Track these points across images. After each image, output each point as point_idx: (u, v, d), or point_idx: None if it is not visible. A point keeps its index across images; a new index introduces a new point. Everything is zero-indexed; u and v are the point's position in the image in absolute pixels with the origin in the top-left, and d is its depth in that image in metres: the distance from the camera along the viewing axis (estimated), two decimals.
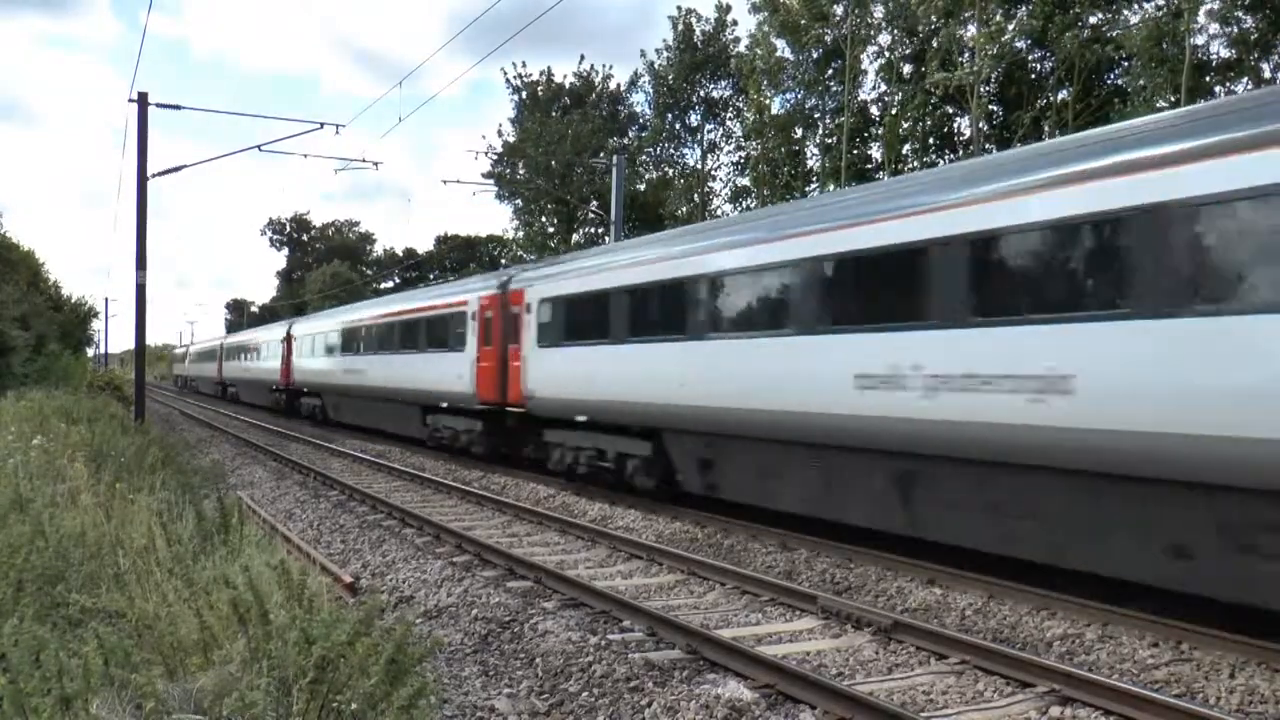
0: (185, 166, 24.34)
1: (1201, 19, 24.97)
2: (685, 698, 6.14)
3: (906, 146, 34.70)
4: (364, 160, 25.60)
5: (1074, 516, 8.01)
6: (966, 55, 29.87)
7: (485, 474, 18.79)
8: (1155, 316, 7.15)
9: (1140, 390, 7.20)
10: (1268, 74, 25.49)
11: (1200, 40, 25.60)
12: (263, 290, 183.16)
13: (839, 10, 34.45)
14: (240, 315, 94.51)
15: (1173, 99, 24.70)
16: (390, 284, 71.63)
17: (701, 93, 44.79)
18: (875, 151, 37.40)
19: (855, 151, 36.95)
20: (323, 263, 77.05)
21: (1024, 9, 28.67)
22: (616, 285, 14.65)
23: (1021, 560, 8.70)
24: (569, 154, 46.47)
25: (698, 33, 43.90)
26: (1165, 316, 7.08)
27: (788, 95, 38.04)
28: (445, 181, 33.84)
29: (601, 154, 43.12)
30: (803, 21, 34.86)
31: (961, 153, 33.23)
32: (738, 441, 12.10)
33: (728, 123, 45.51)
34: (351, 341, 28.87)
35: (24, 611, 4.96)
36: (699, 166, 45.82)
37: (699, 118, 45.33)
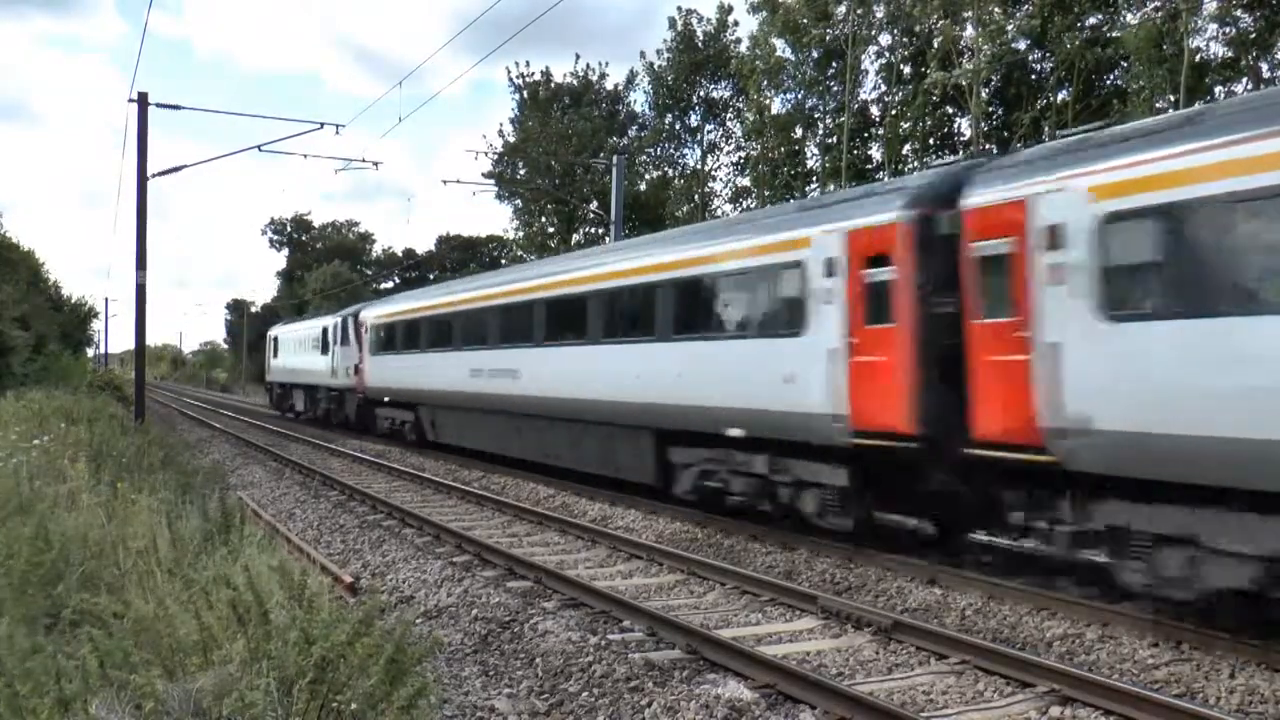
0: (185, 166, 24.34)
1: (1199, 20, 24.96)
2: (685, 698, 6.14)
3: (907, 147, 34.69)
4: (364, 160, 25.61)
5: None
6: (965, 55, 29.86)
7: (485, 474, 18.81)
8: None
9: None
10: (1267, 73, 25.49)
11: (1199, 42, 25.61)
12: (264, 290, 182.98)
13: (840, 10, 34.42)
14: (240, 315, 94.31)
15: (1172, 99, 24.70)
16: (389, 284, 71.58)
17: (701, 93, 44.74)
18: (875, 152, 37.40)
19: (855, 151, 36.92)
20: (323, 263, 76.88)
21: (1024, 9, 28.64)
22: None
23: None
24: (570, 154, 46.44)
25: (698, 33, 43.83)
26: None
27: (788, 95, 38.02)
28: (445, 182, 33.88)
29: (601, 154, 43.08)
30: (804, 21, 34.82)
31: (962, 153, 33.18)
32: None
33: (728, 123, 45.47)
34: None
35: (21, 613, 4.95)
36: (699, 167, 45.80)
37: (699, 118, 45.30)
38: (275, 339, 41.93)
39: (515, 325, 17.72)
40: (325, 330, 31.86)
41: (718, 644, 7.12)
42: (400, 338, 24.40)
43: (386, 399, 25.20)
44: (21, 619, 4.93)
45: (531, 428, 17.22)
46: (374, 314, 26.97)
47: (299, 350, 36.09)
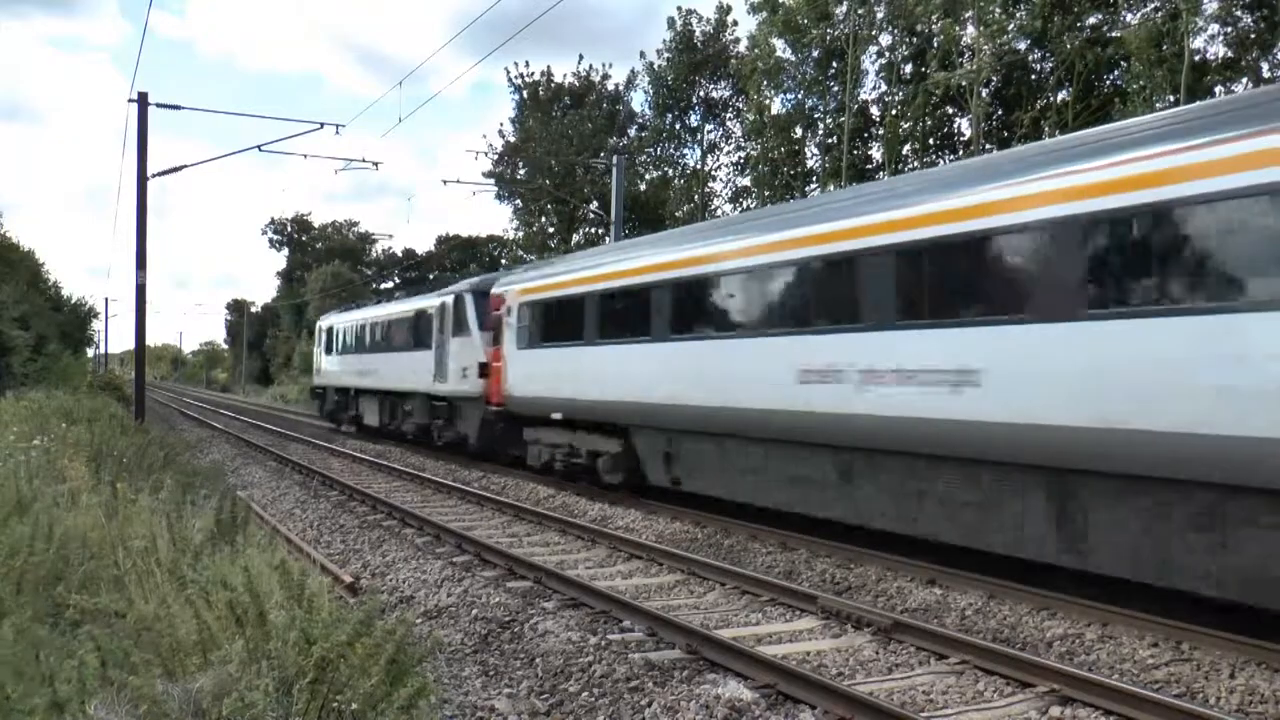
0: (185, 166, 24.35)
1: (1200, 20, 24.97)
2: (685, 698, 6.14)
3: (907, 147, 34.70)
4: (364, 160, 25.61)
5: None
6: (966, 55, 29.87)
7: (485, 474, 18.80)
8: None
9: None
10: (1267, 73, 25.51)
11: (1199, 43, 25.64)
12: (264, 290, 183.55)
13: (840, 10, 34.44)
14: (240, 315, 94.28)
15: (1172, 99, 24.71)
16: (389, 284, 71.52)
17: (701, 93, 44.77)
18: (875, 152, 37.40)
19: (856, 152, 36.92)
20: (322, 263, 76.95)
21: (1023, 9, 28.66)
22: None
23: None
24: (570, 154, 46.46)
25: (698, 33, 43.87)
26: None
27: (788, 95, 38.04)
28: (445, 182, 33.88)
29: (601, 154, 43.09)
30: (804, 22, 34.84)
31: (962, 153, 33.22)
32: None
33: (728, 123, 45.50)
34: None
35: (30, 614, 4.95)
36: (699, 167, 45.81)
37: (699, 118, 45.32)
38: (329, 331, 32.78)
39: (970, 281, 8.91)
40: (425, 315, 22.94)
41: (718, 644, 7.12)
42: (595, 319, 15.07)
43: (557, 415, 16.14)
44: (31, 619, 4.92)
45: (1037, 490, 8.33)
46: (527, 286, 17.72)
47: (372, 343, 27.44)
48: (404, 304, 25.60)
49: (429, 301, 23.15)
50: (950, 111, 33.64)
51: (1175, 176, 7.21)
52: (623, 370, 14.25)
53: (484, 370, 19.32)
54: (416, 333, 23.41)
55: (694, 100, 44.92)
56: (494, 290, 19.12)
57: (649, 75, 45.17)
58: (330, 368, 32.44)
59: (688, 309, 12.94)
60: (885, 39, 34.75)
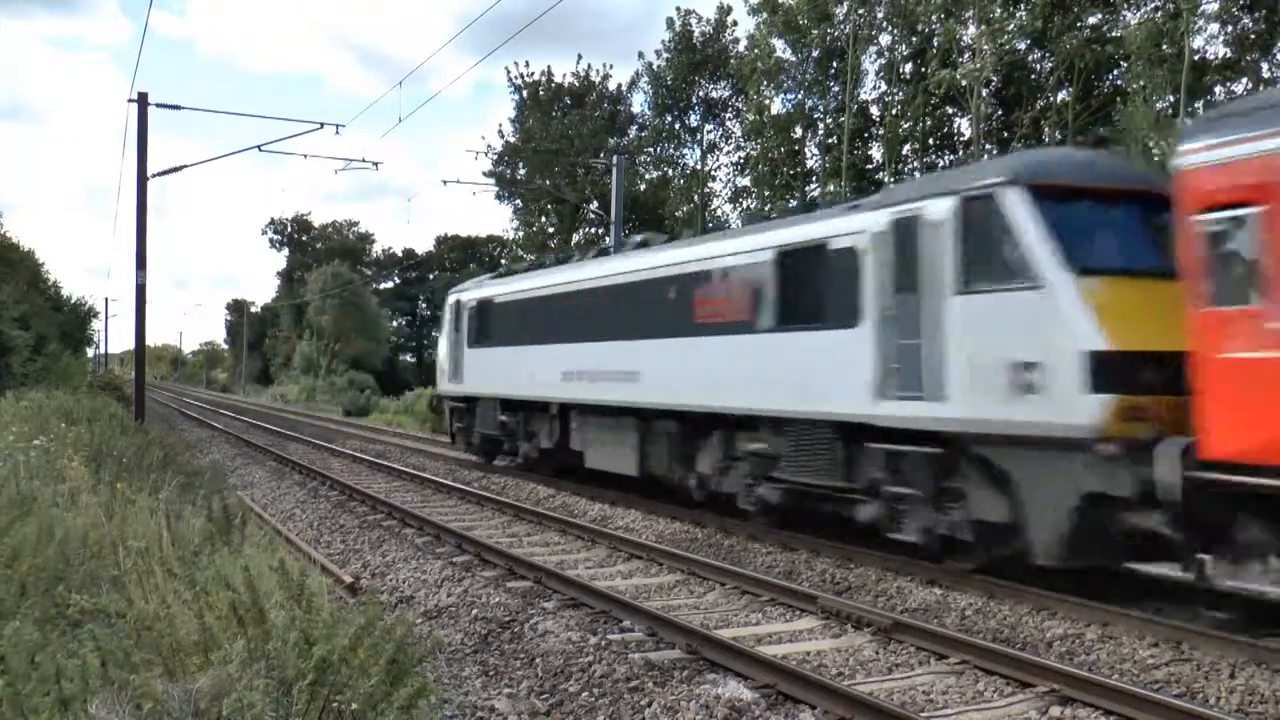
0: (185, 166, 24.37)
1: (1199, 20, 24.99)
2: (685, 698, 6.14)
3: (907, 147, 34.69)
4: (364, 160, 25.56)
5: None
6: (967, 55, 29.87)
7: (485, 474, 18.80)
8: None
9: None
10: (1267, 73, 25.52)
11: (1199, 43, 25.65)
12: (264, 290, 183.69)
13: (840, 11, 34.43)
14: (240, 315, 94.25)
15: (1172, 99, 24.73)
16: (389, 285, 71.39)
17: (701, 93, 44.75)
18: (876, 152, 37.39)
19: (856, 152, 36.91)
20: (322, 263, 76.93)
21: (1023, 9, 28.66)
22: None
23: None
24: (571, 154, 46.46)
25: (697, 34, 43.86)
26: None
27: (788, 95, 38.02)
28: (445, 182, 33.86)
29: (601, 154, 43.09)
30: (804, 22, 34.83)
31: (962, 153, 33.23)
32: None
33: (727, 123, 45.47)
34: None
35: (27, 614, 4.95)
36: (699, 167, 45.80)
37: (698, 118, 45.30)
38: (481, 308, 19.57)
39: None
40: (825, 254, 10.53)
41: (718, 644, 7.12)
42: None
43: None
44: (39, 620, 4.93)
45: None
46: None
47: (613, 323, 14.66)
48: (725, 242, 12.96)
49: (837, 225, 10.67)
50: (950, 111, 33.64)
51: None
52: None
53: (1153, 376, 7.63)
54: (787, 295, 11.31)
55: (694, 100, 44.91)
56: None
57: (648, 75, 45.16)
58: (484, 367, 19.18)
59: None
60: (885, 39, 34.74)
